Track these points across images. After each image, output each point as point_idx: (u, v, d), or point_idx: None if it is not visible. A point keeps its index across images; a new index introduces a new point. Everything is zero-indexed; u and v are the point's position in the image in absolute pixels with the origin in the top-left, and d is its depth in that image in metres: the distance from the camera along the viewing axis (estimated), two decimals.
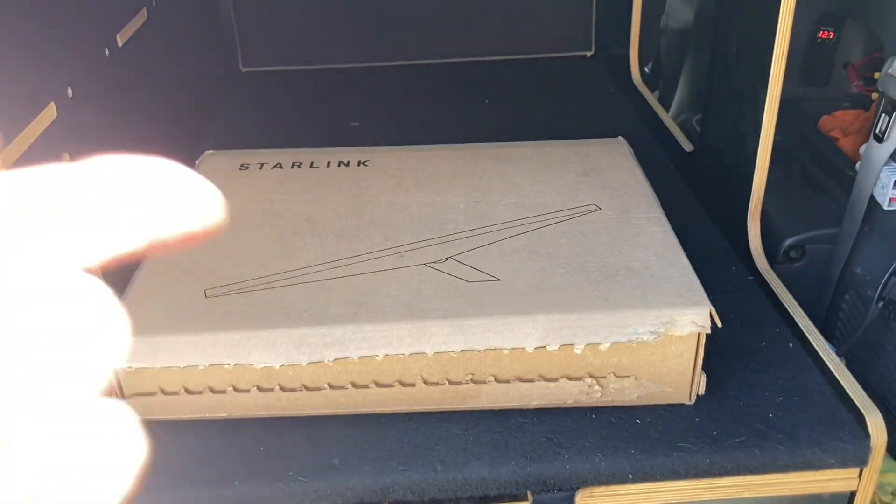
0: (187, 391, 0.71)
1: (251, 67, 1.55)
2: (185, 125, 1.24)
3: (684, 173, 1.12)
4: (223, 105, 1.42)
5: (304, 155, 0.98)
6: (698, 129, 1.29)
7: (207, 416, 0.72)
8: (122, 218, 0.17)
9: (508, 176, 0.91)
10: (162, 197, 0.18)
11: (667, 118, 1.23)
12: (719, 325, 0.68)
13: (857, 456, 0.68)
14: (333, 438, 0.70)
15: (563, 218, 0.83)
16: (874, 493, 0.73)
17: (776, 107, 0.83)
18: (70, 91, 0.79)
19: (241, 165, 0.96)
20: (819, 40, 1.28)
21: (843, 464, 0.68)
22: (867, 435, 0.68)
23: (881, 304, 0.92)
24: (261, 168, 0.95)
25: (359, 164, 0.96)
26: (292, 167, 0.95)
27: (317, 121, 1.32)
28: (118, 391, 0.71)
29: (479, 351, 0.69)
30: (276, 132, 1.29)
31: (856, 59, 1.28)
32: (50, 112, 0.74)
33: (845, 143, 1.18)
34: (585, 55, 1.56)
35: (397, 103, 1.39)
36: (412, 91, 1.44)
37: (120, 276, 0.79)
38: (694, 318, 0.68)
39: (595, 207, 0.84)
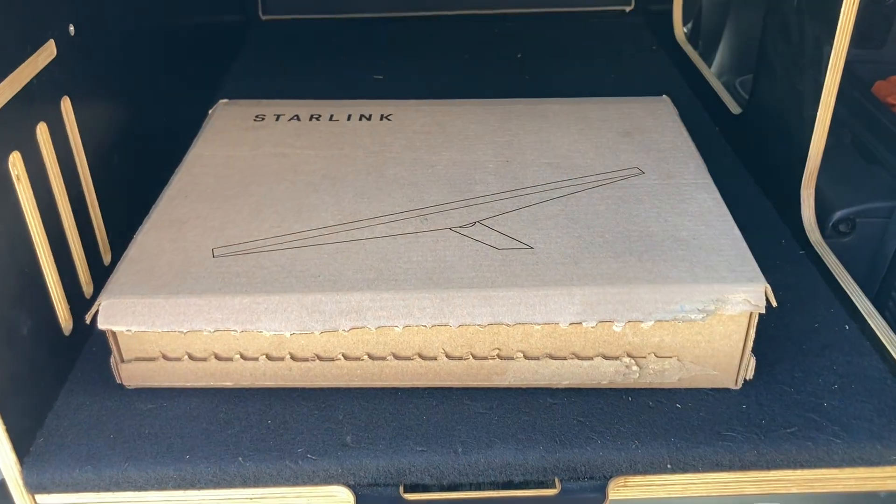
0: (191, 357, 0.66)
1: (271, 15, 1.49)
2: (199, 73, 1.18)
3: (731, 137, 1.05)
4: (241, 54, 1.35)
5: (323, 107, 0.92)
6: (742, 91, 1.21)
7: (212, 384, 0.67)
8: None
9: (543, 134, 0.84)
10: None
11: (712, 78, 1.15)
12: (774, 304, 0.62)
13: None
14: (346, 413, 0.65)
15: (603, 182, 0.76)
16: None
17: (842, 63, 0.76)
18: (72, 29, 0.73)
19: (257, 116, 0.90)
20: None
21: None
22: None
23: None
24: (277, 119, 0.89)
25: (381, 118, 0.89)
26: (310, 119, 0.89)
27: (338, 73, 1.27)
28: (117, 355, 0.66)
29: (507, 325, 0.63)
30: (295, 84, 1.24)
31: None
32: (49, 50, 0.68)
33: None
34: (624, 10, 1.48)
35: (423, 56, 1.32)
36: (439, 44, 1.38)
37: (123, 230, 0.74)
38: (747, 297, 0.62)
39: (638, 171, 0.78)
